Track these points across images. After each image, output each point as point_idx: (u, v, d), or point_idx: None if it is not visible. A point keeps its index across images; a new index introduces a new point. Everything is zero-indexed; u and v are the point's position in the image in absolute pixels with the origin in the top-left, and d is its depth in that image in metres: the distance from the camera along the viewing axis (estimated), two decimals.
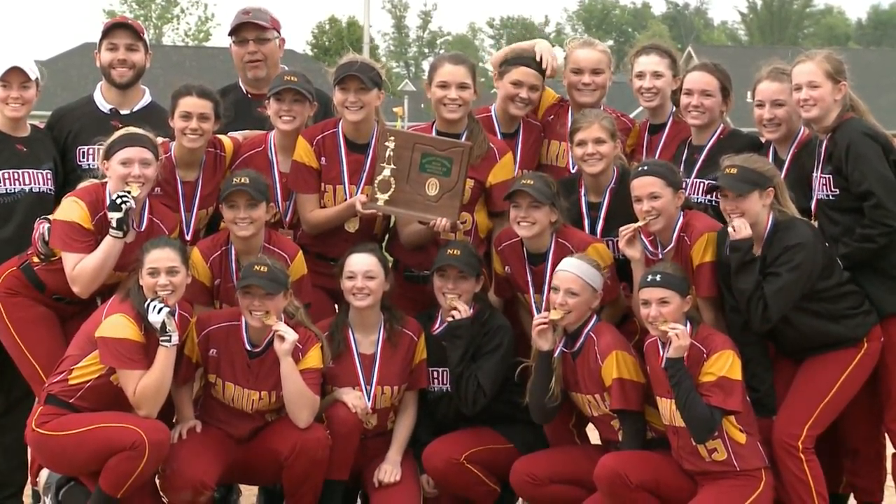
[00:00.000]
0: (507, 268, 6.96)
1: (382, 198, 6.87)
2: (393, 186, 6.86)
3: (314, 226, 7.05)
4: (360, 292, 6.76)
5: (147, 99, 7.45)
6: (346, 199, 6.99)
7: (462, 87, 7.00)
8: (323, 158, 7.01)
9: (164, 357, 6.35)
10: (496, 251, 7.00)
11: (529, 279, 6.89)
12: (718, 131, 7.03)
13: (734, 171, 6.42)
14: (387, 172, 6.86)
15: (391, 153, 6.86)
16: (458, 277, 6.81)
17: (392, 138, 6.89)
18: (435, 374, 6.97)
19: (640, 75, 7.26)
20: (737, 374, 6.28)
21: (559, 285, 6.60)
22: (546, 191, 6.72)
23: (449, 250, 6.82)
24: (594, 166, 6.88)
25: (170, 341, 6.33)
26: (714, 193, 6.64)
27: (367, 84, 6.92)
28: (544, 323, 6.56)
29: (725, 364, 6.27)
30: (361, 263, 6.76)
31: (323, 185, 7.03)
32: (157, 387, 6.34)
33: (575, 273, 6.59)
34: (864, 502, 6.89)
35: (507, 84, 7.19)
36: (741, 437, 6.33)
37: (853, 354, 6.46)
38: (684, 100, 6.97)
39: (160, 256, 6.41)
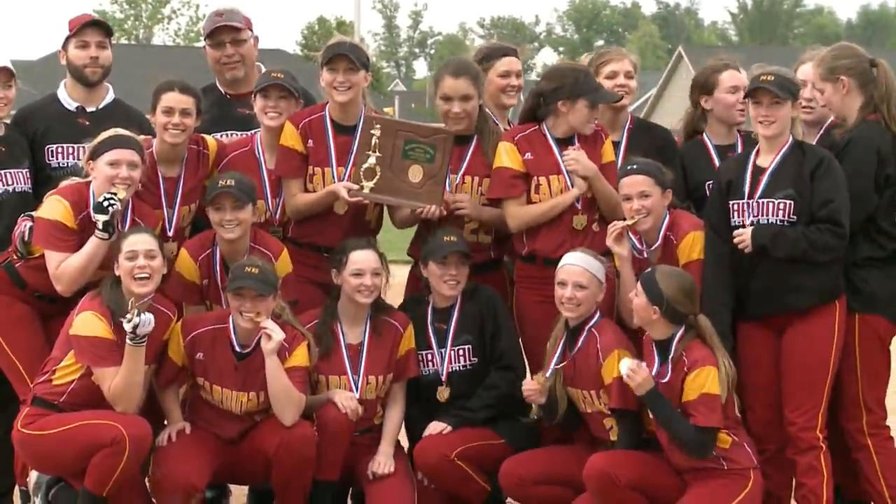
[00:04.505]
0: (527, 154, 6.90)
1: (368, 185, 6.87)
2: (378, 174, 6.87)
3: (297, 211, 7.04)
4: (367, 290, 6.78)
5: (111, 95, 7.43)
6: (335, 182, 6.99)
7: (465, 99, 6.96)
8: (310, 141, 7.00)
9: (130, 354, 6.30)
10: (512, 143, 6.91)
11: (560, 159, 6.88)
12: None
13: (771, 77, 6.42)
14: (372, 160, 6.87)
15: (377, 141, 6.87)
16: (459, 263, 6.84)
17: (378, 126, 6.89)
18: (420, 357, 6.97)
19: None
20: (716, 389, 6.24)
21: (566, 279, 6.60)
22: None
23: (446, 237, 6.83)
24: (622, 99, 7.05)
25: (135, 339, 6.28)
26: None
27: (355, 64, 6.93)
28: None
29: (706, 381, 6.24)
30: (369, 261, 6.77)
31: (311, 167, 7.02)
32: (126, 384, 6.31)
33: (582, 266, 6.60)
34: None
35: (496, 78, 7.24)
36: (726, 441, 6.32)
37: (832, 318, 6.40)
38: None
39: (138, 240, 6.41)
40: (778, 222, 6.39)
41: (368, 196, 6.90)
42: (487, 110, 7.28)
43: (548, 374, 6.64)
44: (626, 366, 6.29)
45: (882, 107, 6.56)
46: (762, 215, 6.41)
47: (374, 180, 6.88)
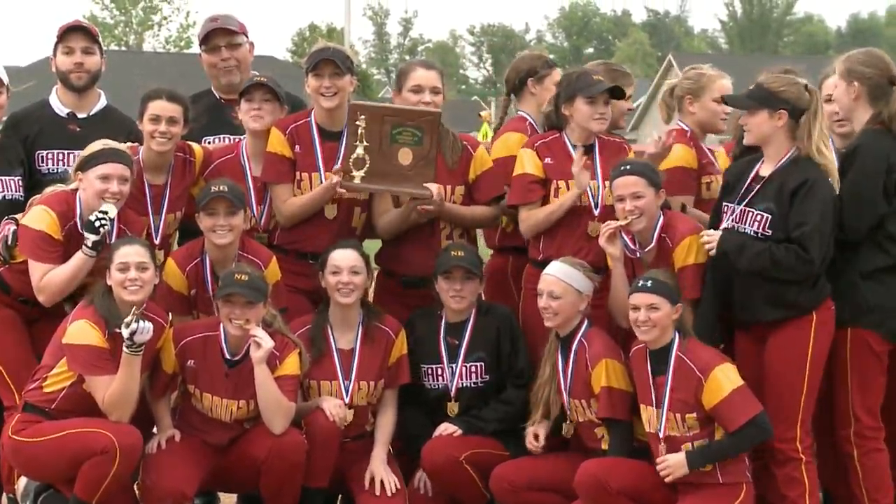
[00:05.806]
0: (547, 159, 6.93)
1: (358, 174, 6.87)
2: (368, 162, 6.86)
3: (289, 216, 7.02)
4: (345, 287, 6.76)
5: (103, 102, 7.41)
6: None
7: (435, 91, 7.03)
8: (297, 146, 7.00)
9: (127, 363, 6.29)
10: (532, 150, 6.94)
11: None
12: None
13: (751, 87, 6.40)
14: (360, 151, 6.86)
15: (363, 130, 6.86)
16: (464, 278, 6.83)
17: (363, 116, 6.88)
18: (429, 370, 6.96)
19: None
20: (739, 380, 6.25)
21: (543, 289, 6.62)
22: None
23: (453, 252, 6.84)
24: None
25: (132, 346, 6.26)
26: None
27: (341, 69, 6.94)
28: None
29: (727, 378, 6.24)
30: (347, 258, 6.76)
31: (298, 173, 7.01)
32: (121, 392, 6.30)
33: (556, 276, 6.61)
34: None
35: (553, 86, 7.17)
36: None
37: (806, 331, 6.33)
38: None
39: (130, 252, 6.40)
40: (752, 233, 6.35)
41: (361, 186, 6.89)
42: (533, 114, 7.32)
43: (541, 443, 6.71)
44: (671, 476, 6.30)
45: (894, 126, 6.50)
46: (741, 223, 6.39)
47: (365, 169, 6.86)
